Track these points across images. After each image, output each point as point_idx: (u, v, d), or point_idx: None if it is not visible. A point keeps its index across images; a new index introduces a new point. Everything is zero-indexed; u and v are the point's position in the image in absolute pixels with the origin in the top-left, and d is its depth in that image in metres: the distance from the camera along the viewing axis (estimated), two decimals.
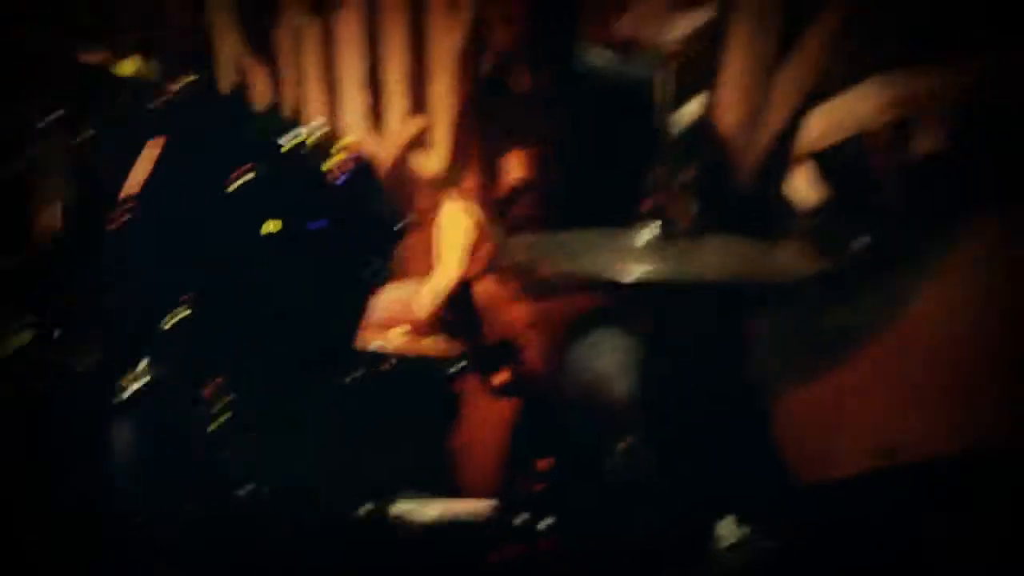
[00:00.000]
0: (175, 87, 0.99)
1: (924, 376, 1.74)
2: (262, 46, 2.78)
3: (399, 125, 2.63)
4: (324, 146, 1.01)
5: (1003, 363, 1.64)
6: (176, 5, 2.80)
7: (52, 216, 0.82)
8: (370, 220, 1.14)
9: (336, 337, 1.19)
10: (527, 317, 1.83)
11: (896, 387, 1.77)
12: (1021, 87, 1.60)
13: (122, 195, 0.93)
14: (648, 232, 1.15)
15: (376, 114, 2.65)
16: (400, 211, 1.17)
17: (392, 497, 1.51)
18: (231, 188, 0.96)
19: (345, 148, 1.05)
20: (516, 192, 1.87)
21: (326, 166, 1.00)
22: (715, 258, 1.16)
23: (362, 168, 1.06)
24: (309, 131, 1.00)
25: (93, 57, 2.16)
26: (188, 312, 0.92)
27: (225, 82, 2.79)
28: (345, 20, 2.64)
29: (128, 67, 2.13)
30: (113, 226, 0.91)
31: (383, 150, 2.61)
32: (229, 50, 2.83)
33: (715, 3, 1.97)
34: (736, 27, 1.95)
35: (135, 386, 0.94)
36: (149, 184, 0.96)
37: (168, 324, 0.91)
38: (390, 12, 2.53)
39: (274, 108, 1.02)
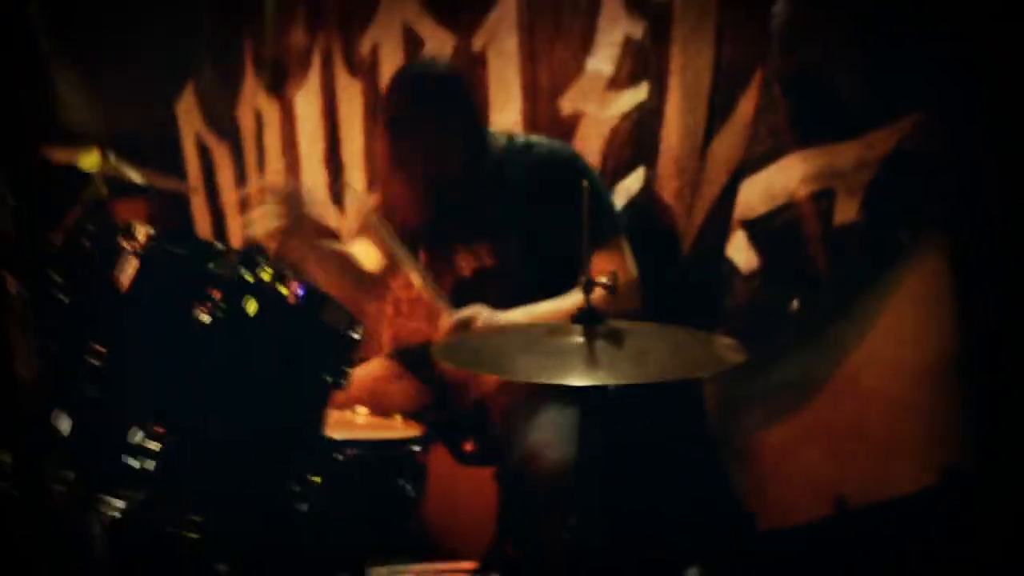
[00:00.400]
0: (141, 236, 1.06)
1: (863, 424, 1.85)
2: (224, 126, 2.88)
3: (359, 198, 2.73)
4: (277, 274, 1.09)
5: (932, 407, 1.75)
6: (141, 98, 2.90)
7: (27, 365, 0.89)
8: (326, 332, 1.21)
9: (305, 434, 1.25)
10: (490, 389, 1.91)
11: (838, 436, 1.88)
12: (930, 160, 1.74)
13: (95, 337, 1.00)
14: (582, 333, 1.21)
15: (336, 189, 2.75)
16: (353, 322, 1.24)
17: (367, 564, 1.56)
18: (204, 318, 1.03)
19: (294, 274, 1.13)
20: (471, 276, 1.90)
21: (283, 290, 1.08)
22: (653, 362, 1.22)
23: (312, 288, 1.14)
24: (262, 263, 1.08)
25: (60, 155, 2.22)
26: (165, 430, 0.98)
27: (191, 166, 2.88)
28: (304, 101, 2.75)
29: (90, 161, 2.19)
30: (94, 360, 0.98)
31: (344, 223, 2.71)
32: (192, 130, 2.93)
33: (651, 82, 2.12)
34: (670, 104, 2.09)
35: (119, 504, 0.99)
36: (123, 320, 1.02)
37: (147, 443, 0.97)
38: (347, 93, 2.65)
39: (227, 248, 1.10)
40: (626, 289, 1.73)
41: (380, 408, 1.78)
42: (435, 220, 1.90)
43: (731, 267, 1.97)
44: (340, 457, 1.32)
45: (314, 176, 2.69)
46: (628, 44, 2.11)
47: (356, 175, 2.62)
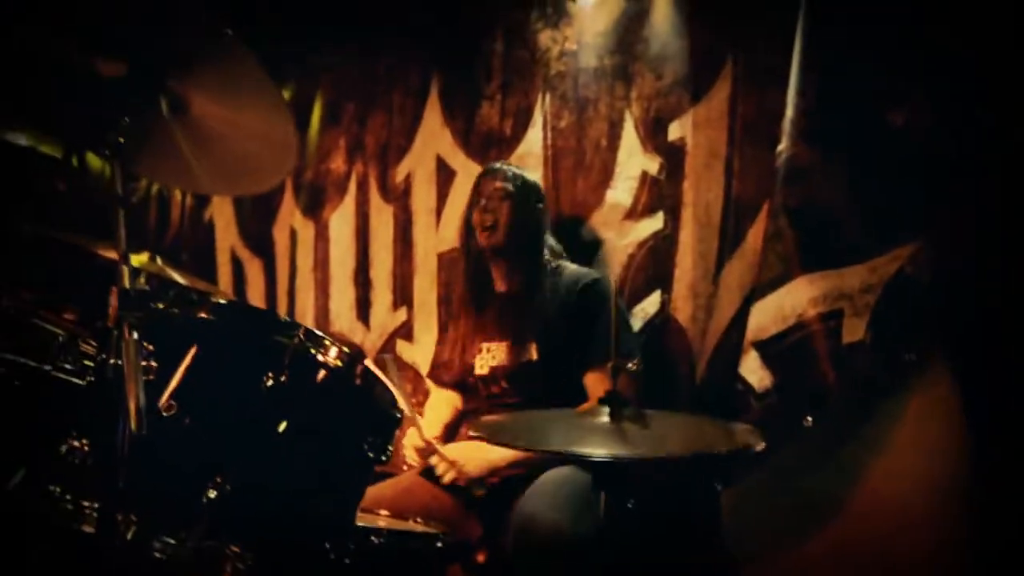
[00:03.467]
0: (213, 300, 1.14)
1: (884, 540, 1.84)
2: (258, 243, 3.04)
3: (385, 317, 2.85)
4: (341, 353, 1.18)
5: (950, 520, 1.76)
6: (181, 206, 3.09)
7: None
8: (376, 409, 1.28)
9: (342, 509, 1.28)
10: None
11: (859, 553, 1.86)
12: (931, 285, 1.86)
13: (164, 397, 1.06)
14: (606, 415, 1.27)
15: (364, 306, 2.87)
16: (395, 402, 1.32)
17: None
18: (267, 384, 1.11)
19: (356, 351, 1.22)
20: (494, 374, 2.03)
21: (345, 367, 1.16)
22: (675, 438, 1.29)
23: (368, 368, 1.22)
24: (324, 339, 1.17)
25: (109, 253, 2.35)
26: (217, 492, 1.02)
27: (223, 274, 3.02)
28: (338, 222, 2.93)
29: (139, 260, 2.33)
30: (167, 413, 1.03)
31: (370, 339, 2.81)
32: (228, 244, 3.09)
33: (666, 213, 2.29)
34: (684, 234, 2.25)
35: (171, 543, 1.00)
36: (186, 385, 1.09)
37: (204, 499, 1.01)
38: (380, 217, 2.83)
39: (293, 322, 1.18)
40: None
41: (401, 513, 1.80)
42: (480, 297, 2.08)
43: (745, 386, 2.04)
44: (374, 540, 1.35)
45: (343, 293, 2.82)
46: (645, 178, 2.30)
47: (384, 294, 2.75)
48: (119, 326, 0.96)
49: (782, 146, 2.02)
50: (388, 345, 2.69)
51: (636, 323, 2.27)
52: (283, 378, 1.14)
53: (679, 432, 1.33)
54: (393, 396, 1.32)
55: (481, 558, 1.95)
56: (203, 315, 1.15)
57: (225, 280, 3.00)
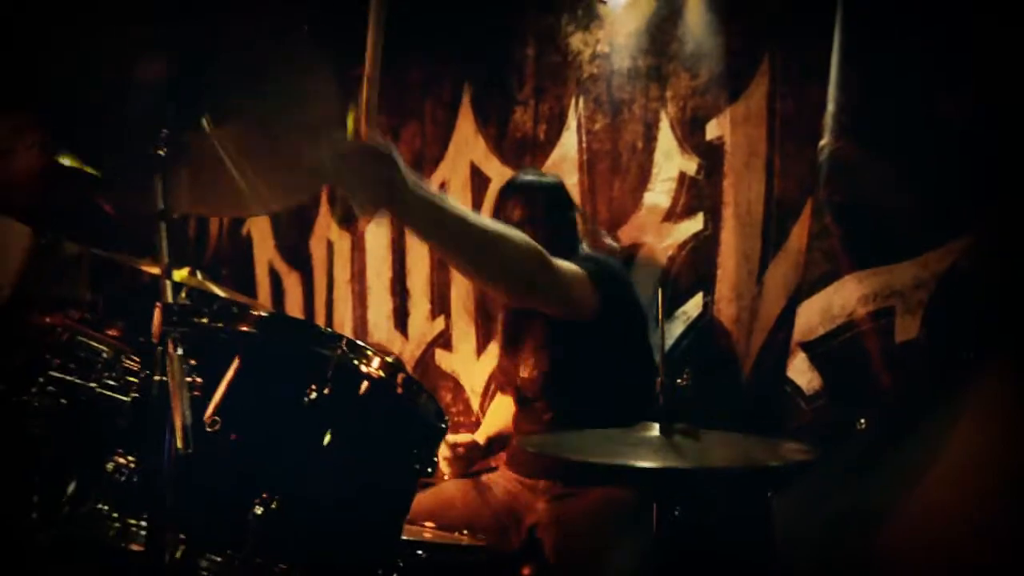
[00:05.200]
0: (255, 314, 1.14)
1: (941, 549, 1.77)
2: (295, 256, 3.06)
3: (423, 326, 2.84)
4: (384, 364, 1.15)
5: (1010, 528, 1.68)
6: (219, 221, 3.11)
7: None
8: (420, 421, 1.26)
9: (389, 522, 1.26)
10: (548, 515, 1.90)
11: (916, 561, 1.79)
12: (987, 279, 1.79)
13: (208, 413, 1.05)
14: (657, 429, 1.25)
15: (402, 316, 2.86)
16: (441, 414, 1.30)
17: None
18: (311, 396, 1.10)
19: (402, 365, 1.20)
20: (534, 383, 1.98)
21: (388, 378, 1.14)
22: (722, 451, 1.26)
23: (412, 379, 1.20)
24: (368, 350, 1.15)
25: (150, 268, 2.38)
26: (264, 508, 1.01)
27: (261, 288, 3.04)
28: (374, 233, 2.93)
29: (179, 275, 2.36)
30: (211, 428, 1.03)
31: (408, 349, 2.80)
32: (265, 257, 3.11)
33: (706, 214, 2.24)
34: (725, 234, 2.20)
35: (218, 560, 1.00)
36: (230, 400, 1.08)
37: (253, 513, 1.00)
38: None
39: (335, 333, 1.16)
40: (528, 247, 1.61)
41: (446, 525, 1.78)
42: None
43: (793, 388, 1.98)
44: (420, 553, 1.33)
45: (380, 303, 2.82)
46: (683, 179, 2.26)
47: (421, 303, 2.74)
48: (163, 342, 0.96)
49: (824, 141, 1.97)
50: (427, 354, 2.69)
51: (678, 326, 2.23)
52: (326, 390, 1.13)
53: (724, 447, 1.30)
54: (436, 407, 1.30)
55: (526, 572, 1.93)
56: (245, 328, 1.14)
57: (264, 294, 3.02)
